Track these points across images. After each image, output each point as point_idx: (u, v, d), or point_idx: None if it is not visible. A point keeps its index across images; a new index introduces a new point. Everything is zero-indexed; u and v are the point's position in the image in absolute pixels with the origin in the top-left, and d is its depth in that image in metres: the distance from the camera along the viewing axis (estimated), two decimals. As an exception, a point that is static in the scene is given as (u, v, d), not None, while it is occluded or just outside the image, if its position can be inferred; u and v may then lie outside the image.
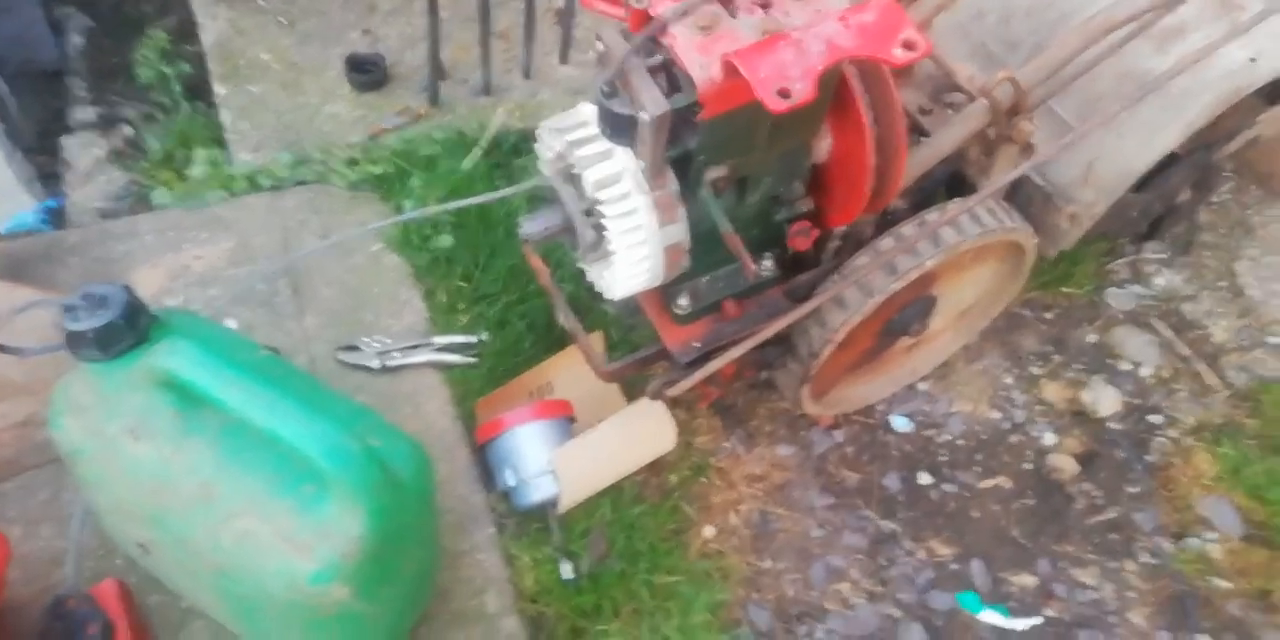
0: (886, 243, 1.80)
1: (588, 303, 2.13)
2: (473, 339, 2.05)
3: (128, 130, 2.41)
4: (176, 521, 1.42)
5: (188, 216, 2.12)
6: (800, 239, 1.74)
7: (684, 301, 1.76)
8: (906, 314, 2.01)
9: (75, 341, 1.38)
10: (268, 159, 2.20)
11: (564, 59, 2.50)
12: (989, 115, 1.78)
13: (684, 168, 1.51)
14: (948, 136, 1.82)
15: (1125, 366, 2.36)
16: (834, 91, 1.55)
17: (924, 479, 2.18)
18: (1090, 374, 2.34)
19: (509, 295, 2.13)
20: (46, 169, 2.45)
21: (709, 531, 2.04)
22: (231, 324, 1.99)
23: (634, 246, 1.55)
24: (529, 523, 1.94)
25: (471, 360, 2.04)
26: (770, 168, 1.58)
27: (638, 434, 1.97)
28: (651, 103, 1.36)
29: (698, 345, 1.79)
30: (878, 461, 2.19)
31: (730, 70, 1.29)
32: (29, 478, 1.80)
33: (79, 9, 2.65)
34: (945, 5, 1.85)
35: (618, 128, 1.43)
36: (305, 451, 1.32)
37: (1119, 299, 2.45)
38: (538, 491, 1.88)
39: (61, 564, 1.71)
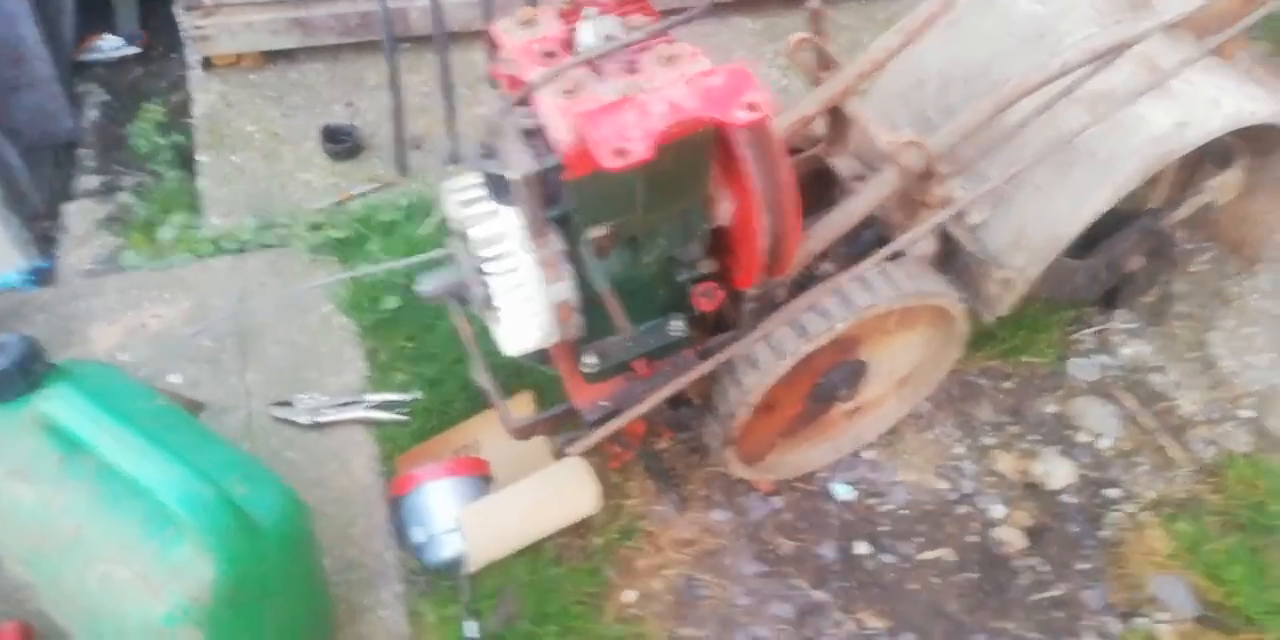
0: (798, 305, 1.75)
1: (528, 362, 2.11)
2: (405, 397, 2.04)
3: (124, 198, 2.50)
4: (51, 563, 1.42)
5: (153, 277, 2.18)
6: (704, 300, 1.70)
7: (591, 360, 1.72)
8: (833, 378, 1.94)
9: (-32, 387, 1.40)
10: (235, 223, 2.26)
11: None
12: (900, 180, 1.74)
13: (569, 227, 1.49)
14: (859, 201, 1.77)
15: (1084, 438, 2.24)
16: (721, 156, 1.53)
17: (861, 549, 2.07)
18: (1045, 445, 2.22)
19: (450, 355, 2.12)
20: (52, 233, 2.55)
21: (630, 596, 1.96)
22: (175, 379, 2.02)
23: (520, 303, 1.54)
24: (440, 581, 1.89)
25: (402, 418, 2.03)
26: (661, 229, 1.56)
27: (557, 495, 1.92)
28: (519, 163, 1.36)
29: (605, 404, 1.75)
30: (815, 530, 2.09)
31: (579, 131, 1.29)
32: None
33: (99, 85, 2.79)
34: (867, 74, 1.83)
35: (496, 187, 1.43)
36: (160, 497, 1.32)
37: (1083, 369, 2.33)
38: (445, 549, 1.84)
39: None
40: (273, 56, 2.54)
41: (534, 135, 1.37)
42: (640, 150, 1.21)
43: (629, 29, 1.36)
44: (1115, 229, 2.04)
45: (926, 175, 1.73)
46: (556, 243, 1.49)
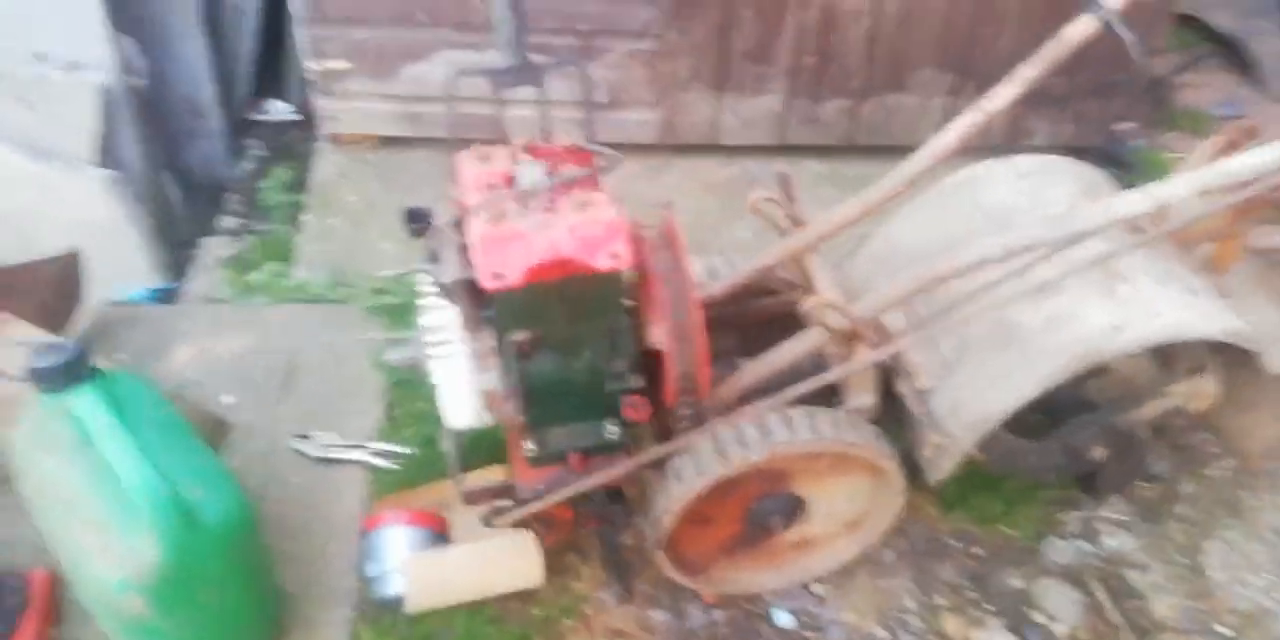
0: (723, 428, 2.09)
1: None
2: (402, 450, 2.52)
3: (249, 240, 3.17)
4: (57, 521, 1.96)
5: (235, 311, 2.80)
6: (632, 411, 2.07)
7: (531, 446, 2.12)
8: (766, 506, 2.24)
9: (31, 375, 1.99)
10: (311, 278, 2.85)
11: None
12: (827, 337, 2.06)
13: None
14: (786, 350, 2.11)
15: (1040, 619, 2.40)
16: (645, 294, 1.94)
17: (781, 676, 2.33)
18: (997, 617, 2.40)
19: (451, 422, 2.58)
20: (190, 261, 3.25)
21: (549, 669, 2.32)
22: (228, 399, 2.59)
23: (455, 386, 1.98)
24: (384, 614, 2.31)
25: (395, 467, 2.50)
26: (587, 342, 1.95)
27: (501, 563, 2.30)
28: (450, 271, 1.82)
29: (540, 487, 2.15)
30: (744, 648, 2.38)
31: (479, 253, 1.74)
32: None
33: (261, 141, 3.53)
34: (826, 236, 2.17)
35: (439, 286, 1.90)
36: (128, 488, 1.84)
37: (1058, 551, 2.50)
38: (389, 586, 2.25)
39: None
40: (389, 141, 3.17)
41: (466, 250, 1.83)
42: (513, 278, 1.64)
43: (555, 175, 1.80)
44: (1075, 412, 2.26)
45: (853, 336, 2.05)
46: (488, 339, 1.93)
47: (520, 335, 1.91)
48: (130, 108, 3.01)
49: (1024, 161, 2.35)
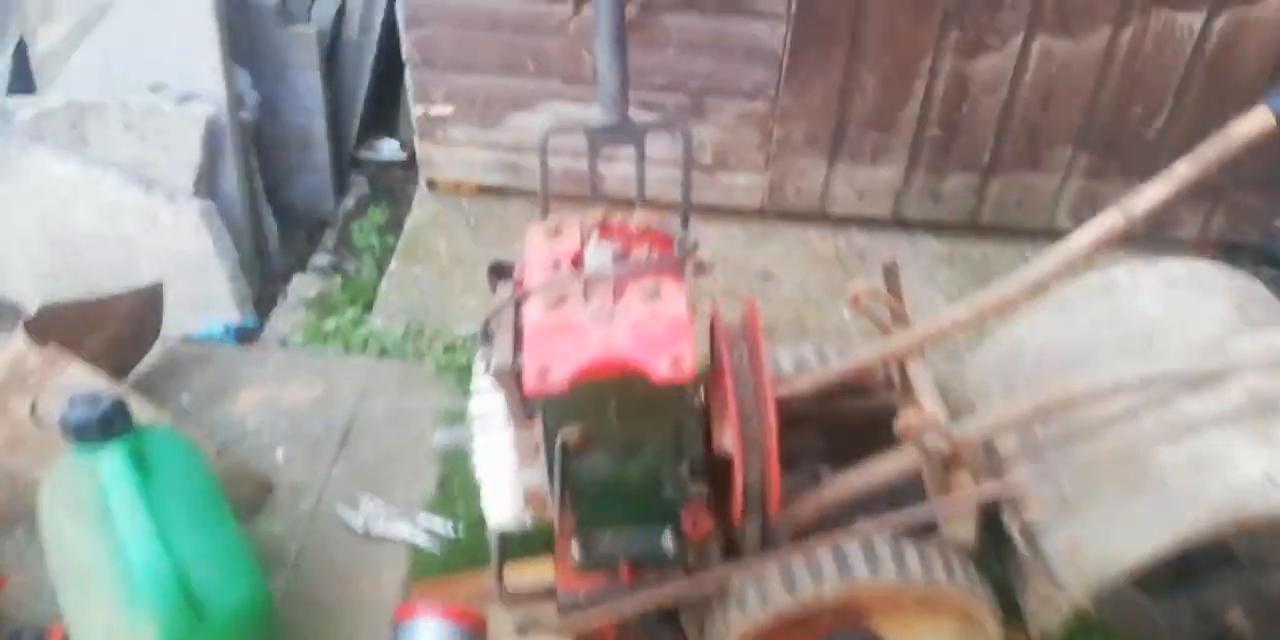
0: (796, 552, 1.84)
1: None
2: (446, 533, 2.34)
3: (336, 281, 3.07)
4: (66, 590, 1.85)
5: (304, 358, 2.69)
6: (692, 525, 1.83)
7: (576, 550, 1.90)
8: (836, 641, 1.97)
9: (62, 425, 1.88)
10: (387, 328, 2.71)
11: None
12: (922, 460, 1.79)
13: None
14: (872, 470, 1.84)
15: None
16: (720, 390, 1.70)
17: None
18: None
19: (502, 502, 2.39)
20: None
21: None
22: (279, 455, 2.46)
23: (496, 480, 1.78)
24: (406, 714, 2.12)
25: (440, 547, 2.32)
26: (648, 442, 1.73)
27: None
28: (502, 355, 1.63)
29: (582, 597, 1.92)
30: None
31: (534, 344, 1.53)
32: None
33: (367, 179, 3.45)
34: (933, 338, 1.90)
35: (489, 371, 1.71)
36: (133, 568, 1.70)
37: (1179, 722, 2.15)
38: (414, 690, 2.06)
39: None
40: (487, 190, 3.03)
41: (520, 333, 1.63)
42: (559, 381, 1.43)
43: (622, 258, 1.60)
44: (1213, 565, 1.91)
45: (955, 460, 1.77)
46: (535, 432, 1.72)
47: (569, 433, 1.69)
48: (235, 139, 2.95)
49: (1172, 268, 2.03)
